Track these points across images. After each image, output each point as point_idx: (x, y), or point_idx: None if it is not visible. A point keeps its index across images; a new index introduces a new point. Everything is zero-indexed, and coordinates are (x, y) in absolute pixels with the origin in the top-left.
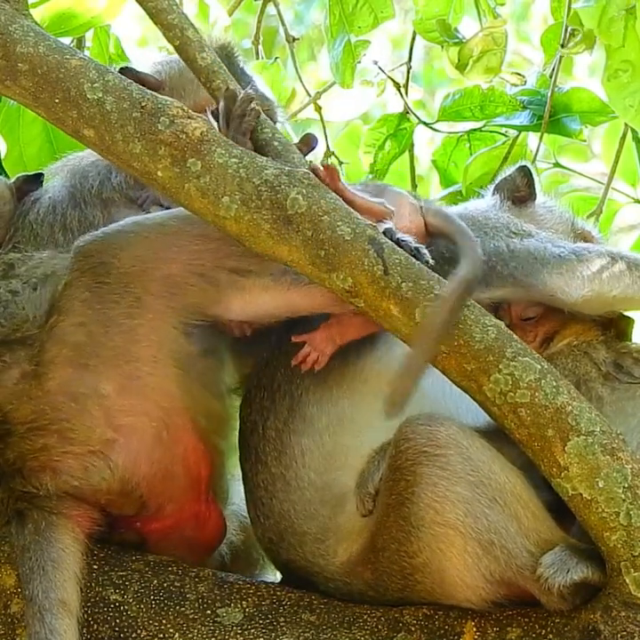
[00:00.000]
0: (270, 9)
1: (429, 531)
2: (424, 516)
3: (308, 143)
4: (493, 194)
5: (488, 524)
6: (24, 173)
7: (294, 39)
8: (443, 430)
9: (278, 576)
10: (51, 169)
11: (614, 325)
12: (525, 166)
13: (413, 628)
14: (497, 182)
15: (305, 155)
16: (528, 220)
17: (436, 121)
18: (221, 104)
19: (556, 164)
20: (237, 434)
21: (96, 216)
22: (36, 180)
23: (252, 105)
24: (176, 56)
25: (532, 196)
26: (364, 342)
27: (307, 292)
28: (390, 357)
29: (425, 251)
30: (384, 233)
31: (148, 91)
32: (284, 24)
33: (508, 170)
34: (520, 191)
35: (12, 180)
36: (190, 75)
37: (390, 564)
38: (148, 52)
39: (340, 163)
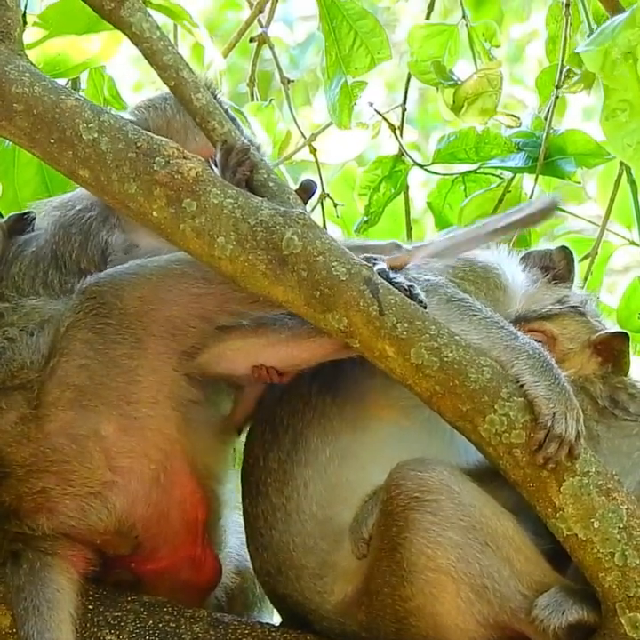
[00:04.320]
0: (265, 53)
1: (422, 576)
2: (416, 561)
3: (307, 190)
4: (522, 259)
5: (480, 569)
6: (16, 213)
7: (289, 81)
8: (433, 475)
9: (275, 619)
10: (37, 207)
11: (610, 350)
12: (567, 248)
13: None
14: (530, 251)
15: (305, 202)
16: (548, 291)
17: (431, 163)
18: (218, 155)
19: None
20: (240, 469)
21: (74, 284)
22: (28, 219)
23: (248, 155)
24: (161, 103)
25: (570, 280)
26: (367, 376)
27: (306, 345)
28: (394, 392)
29: (418, 291)
30: (378, 273)
31: (144, 131)
32: (279, 65)
33: (547, 246)
34: (555, 269)
35: (5, 220)
36: (177, 124)
37: (384, 608)
38: (144, 96)
39: (335, 205)
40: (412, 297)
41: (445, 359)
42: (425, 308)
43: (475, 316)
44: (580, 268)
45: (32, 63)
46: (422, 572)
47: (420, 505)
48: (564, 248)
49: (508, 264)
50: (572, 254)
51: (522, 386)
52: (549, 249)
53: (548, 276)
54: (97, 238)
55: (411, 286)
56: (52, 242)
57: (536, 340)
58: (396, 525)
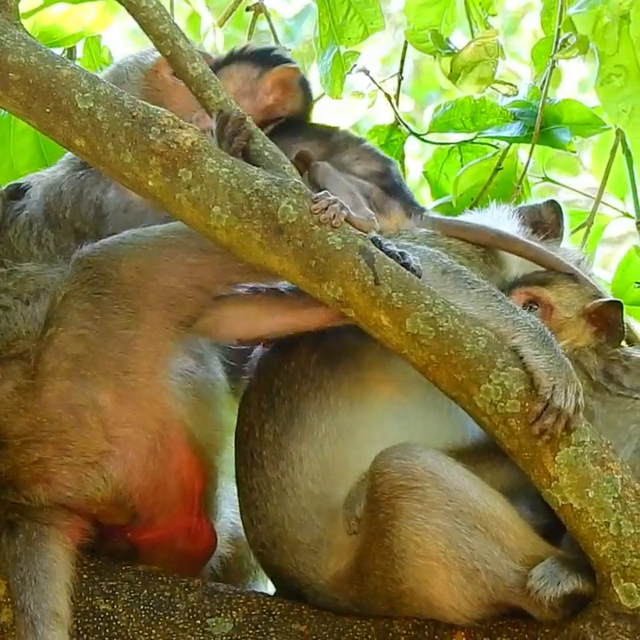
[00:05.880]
0: (259, 25)
1: (412, 562)
2: (405, 548)
3: (304, 160)
4: (516, 216)
5: (470, 552)
6: (15, 181)
7: (287, 50)
8: (417, 463)
9: (269, 587)
10: (28, 179)
11: (604, 319)
12: (555, 201)
13: (403, 638)
14: (521, 206)
15: (302, 172)
16: None
17: (428, 132)
18: (213, 124)
19: (545, 179)
20: (234, 436)
21: (70, 245)
22: (23, 187)
23: (244, 125)
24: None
25: (559, 235)
26: (366, 350)
27: (302, 314)
28: (392, 367)
29: (411, 258)
30: (372, 242)
31: (140, 100)
32: (274, 34)
33: (537, 200)
34: (545, 225)
35: (4, 188)
36: None
37: (376, 588)
38: None
39: None
40: (406, 266)
41: (441, 329)
42: (419, 277)
43: (472, 288)
44: (573, 240)
45: (28, 32)
46: (412, 558)
47: (405, 493)
48: (552, 202)
49: (504, 229)
50: (560, 208)
51: (522, 358)
52: (538, 204)
53: (541, 236)
54: (91, 196)
55: (402, 253)
56: (44, 202)
57: (533, 308)
58: (382, 512)
